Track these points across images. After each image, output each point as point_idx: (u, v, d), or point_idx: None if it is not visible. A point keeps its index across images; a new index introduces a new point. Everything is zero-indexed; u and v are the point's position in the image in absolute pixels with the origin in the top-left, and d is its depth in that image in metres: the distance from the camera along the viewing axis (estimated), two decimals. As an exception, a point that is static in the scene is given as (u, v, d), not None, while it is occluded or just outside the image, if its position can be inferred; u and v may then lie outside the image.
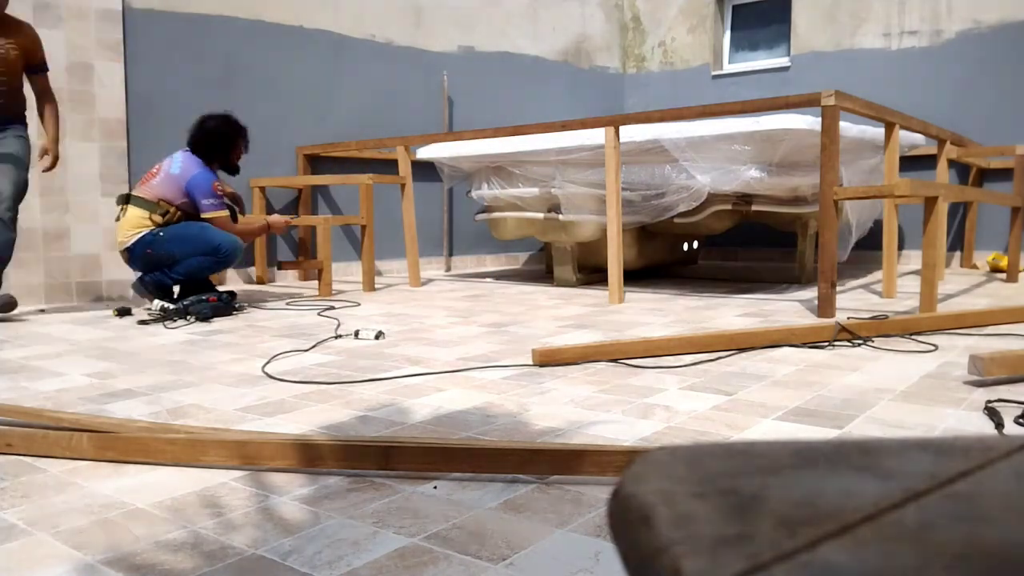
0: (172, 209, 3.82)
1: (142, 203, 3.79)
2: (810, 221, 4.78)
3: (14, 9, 4.12)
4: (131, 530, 1.17)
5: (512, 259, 6.81)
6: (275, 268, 5.24)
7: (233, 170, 4.07)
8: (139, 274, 3.89)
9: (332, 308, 3.85)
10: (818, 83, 6.45)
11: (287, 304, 4.04)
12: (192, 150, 3.93)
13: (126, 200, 3.83)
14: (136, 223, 3.78)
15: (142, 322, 3.41)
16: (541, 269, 6.43)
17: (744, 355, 2.48)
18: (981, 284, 4.67)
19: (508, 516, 1.20)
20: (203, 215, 3.83)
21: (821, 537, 0.29)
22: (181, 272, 3.81)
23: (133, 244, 3.77)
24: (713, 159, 4.04)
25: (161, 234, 3.78)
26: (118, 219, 3.87)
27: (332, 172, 5.47)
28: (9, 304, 3.61)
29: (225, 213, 3.89)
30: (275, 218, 4.13)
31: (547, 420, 1.75)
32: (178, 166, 3.85)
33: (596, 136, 4.19)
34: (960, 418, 1.71)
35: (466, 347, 2.70)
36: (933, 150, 5.48)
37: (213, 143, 3.93)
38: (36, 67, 3.67)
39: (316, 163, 5.43)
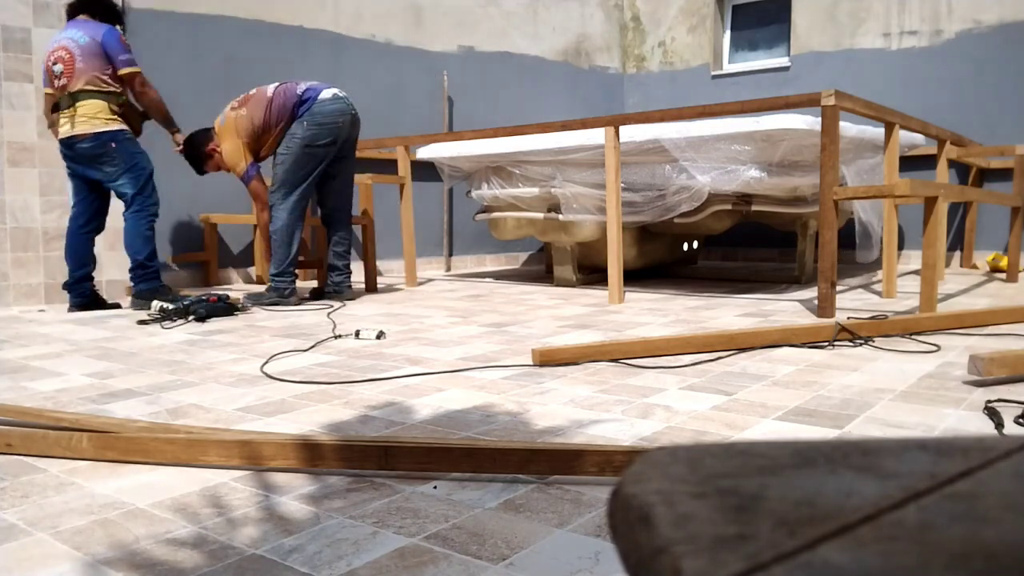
0: (120, 95, 3.76)
1: (96, 95, 3.68)
2: (810, 221, 4.78)
3: (14, 9, 4.12)
4: (131, 530, 1.17)
5: (512, 259, 6.81)
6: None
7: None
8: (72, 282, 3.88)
9: (332, 308, 3.85)
10: (818, 83, 6.45)
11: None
12: (87, 11, 3.80)
13: (73, 99, 3.68)
14: (99, 113, 3.68)
15: (141, 322, 3.41)
16: (541, 269, 6.43)
17: (744, 355, 2.48)
18: (981, 284, 4.67)
19: (508, 516, 1.20)
20: (121, 71, 3.73)
21: (821, 537, 0.29)
22: (115, 187, 3.78)
23: (103, 131, 3.68)
24: (713, 159, 4.04)
25: (129, 140, 3.77)
26: (52, 125, 3.76)
27: (332, 172, 5.46)
28: None
29: (139, 69, 3.78)
30: (179, 138, 4.06)
31: (547, 420, 1.75)
32: (81, 34, 3.69)
33: (596, 136, 4.20)
34: (960, 418, 1.71)
35: (466, 347, 2.70)
36: (933, 150, 5.48)
37: (109, 8, 3.85)
38: None
39: (316, 163, 5.42)
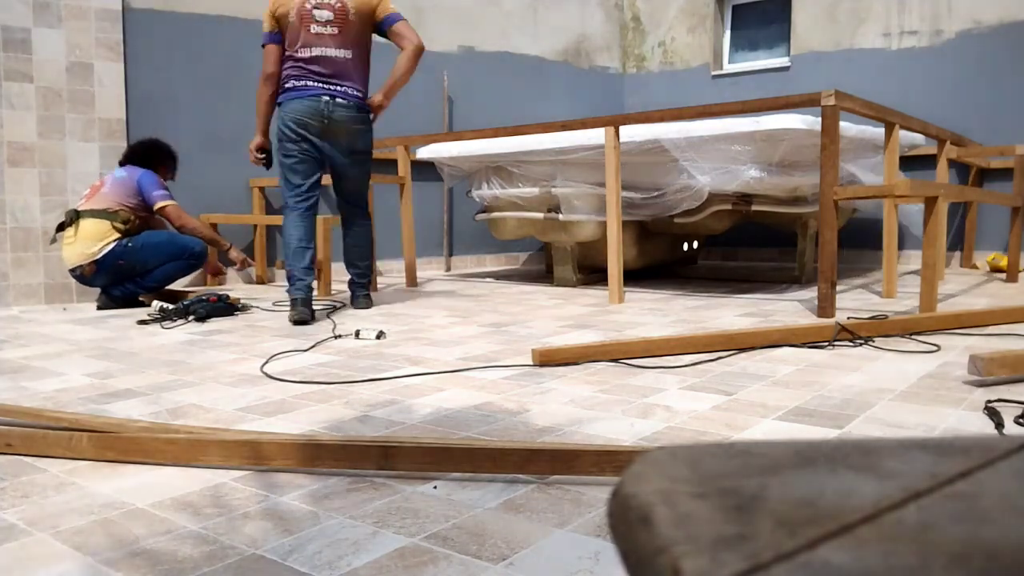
0: (131, 216, 3.93)
1: (101, 214, 3.86)
2: (810, 221, 4.78)
3: (13, 9, 4.12)
4: (131, 530, 1.17)
5: (512, 259, 6.81)
6: (275, 268, 5.24)
7: None
8: (100, 288, 3.98)
9: (335, 308, 3.85)
10: (818, 83, 6.45)
11: (277, 303, 4.04)
12: (132, 162, 4.09)
13: (77, 215, 3.87)
14: (99, 235, 3.84)
15: (141, 322, 3.41)
16: (541, 269, 6.43)
17: (744, 355, 2.48)
18: (981, 284, 4.67)
19: (508, 516, 1.20)
20: (156, 205, 3.95)
21: (821, 537, 0.29)
22: (157, 279, 3.96)
23: (103, 256, 3.82)
24: (713, 159, 4.03)
25: (130, 244, 3.87)
26: (55, 240, 4.01)
27: (332, 172, 5.46)
28: None
29: (175, 203, 4.00)
30: (235, 253, 4.18)
31: (547, 420, 1.75)
32: (121, 172, 4.00)
33: (596, 136, 4.19)
34: (960, 418, 1.71)
35: (466, 347, 2.70)
36: (933, 150, 5.48)
37: (151, 154, 4.12)
38: None
39: (316, 163, 5.42)
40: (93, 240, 3.81)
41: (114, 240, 3.84)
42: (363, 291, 3.85)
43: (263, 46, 3.60)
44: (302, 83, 3.52)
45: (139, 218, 3.96)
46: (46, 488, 1.35)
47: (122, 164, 4.09)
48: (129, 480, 1.39)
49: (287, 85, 3.57)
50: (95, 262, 3.82)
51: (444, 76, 6.13)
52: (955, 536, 0.29)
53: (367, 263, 3.86)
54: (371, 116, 3.69)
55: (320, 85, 3.50)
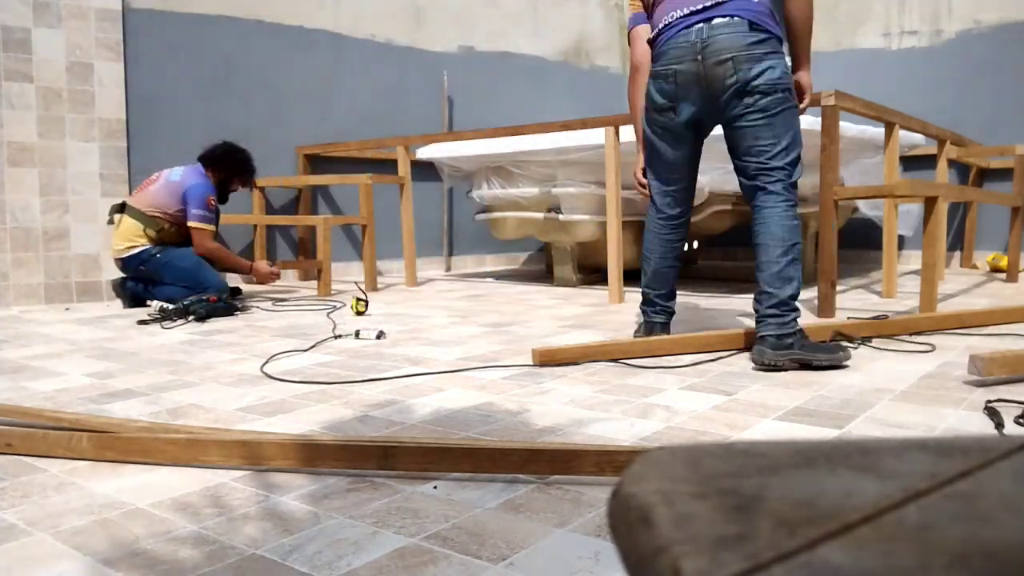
0: (166, 225, 3.94)
1: (137, 215, 3.92)
2: (810, 221, 4.78)
3: (14, 9, 4.12)
4: (131, 530, 1.17)
5: (512, 259, 6.81)
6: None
7: (223, 195, 4.19)
8: (123, 277, 4.06)
9: (335, 308, 3.85)
10: (818, 83, 6.45)
11: (277, 303, 4.04)
12: (202, 160, 4.10)
13: (121, 209, 3.97)
14: (130, 235, 3.91)
15: (141, 322, 3.41)
16: (541, 269, 6.43)
17: (744, 355, 2.48)
18: (981, 284, 4.67)
19: (508, 516, 1.20)
20: (189, 223, 3.94)
21: (821, 537, 0.29)
22: (166, 295, 3.93)
23: (127, 257, 3.91)
24: (713, 159, 4.03)
25: (158, 256, 3.90)
26: (110, 222, 4.05)
27: (332, 172, 5.47)
28: None
29: (211, 228, 3.99)
30: (261, 264, 4.13)
31: (547, 420, 1.75)
32: (179, 174, 4.01)
33: (596, 136, 4.19)
34: (960, 418, 1.71)
35: (466, 347, 2.70)
36: (933, 150, 5.48)
37: (226, 160, 4.10)
38: None
39: (316, 163, 5.43)
40: (124, 239, 3.90)
41: (142, 246, 3.90)
42: (767, 328, 2.26)
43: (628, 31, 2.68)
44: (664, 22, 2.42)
45: (174, 226, 3.97)
46: (46, 488, 1.35)
47: (198, 159, 4.12)
48: (129, 480, 1.39)
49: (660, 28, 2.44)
50: (121, 259, 3.92)
51: (444, 76, 6.13)
52: (955, 536, 0.29)
53: (774, 285, 2.27)
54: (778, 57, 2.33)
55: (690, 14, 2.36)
